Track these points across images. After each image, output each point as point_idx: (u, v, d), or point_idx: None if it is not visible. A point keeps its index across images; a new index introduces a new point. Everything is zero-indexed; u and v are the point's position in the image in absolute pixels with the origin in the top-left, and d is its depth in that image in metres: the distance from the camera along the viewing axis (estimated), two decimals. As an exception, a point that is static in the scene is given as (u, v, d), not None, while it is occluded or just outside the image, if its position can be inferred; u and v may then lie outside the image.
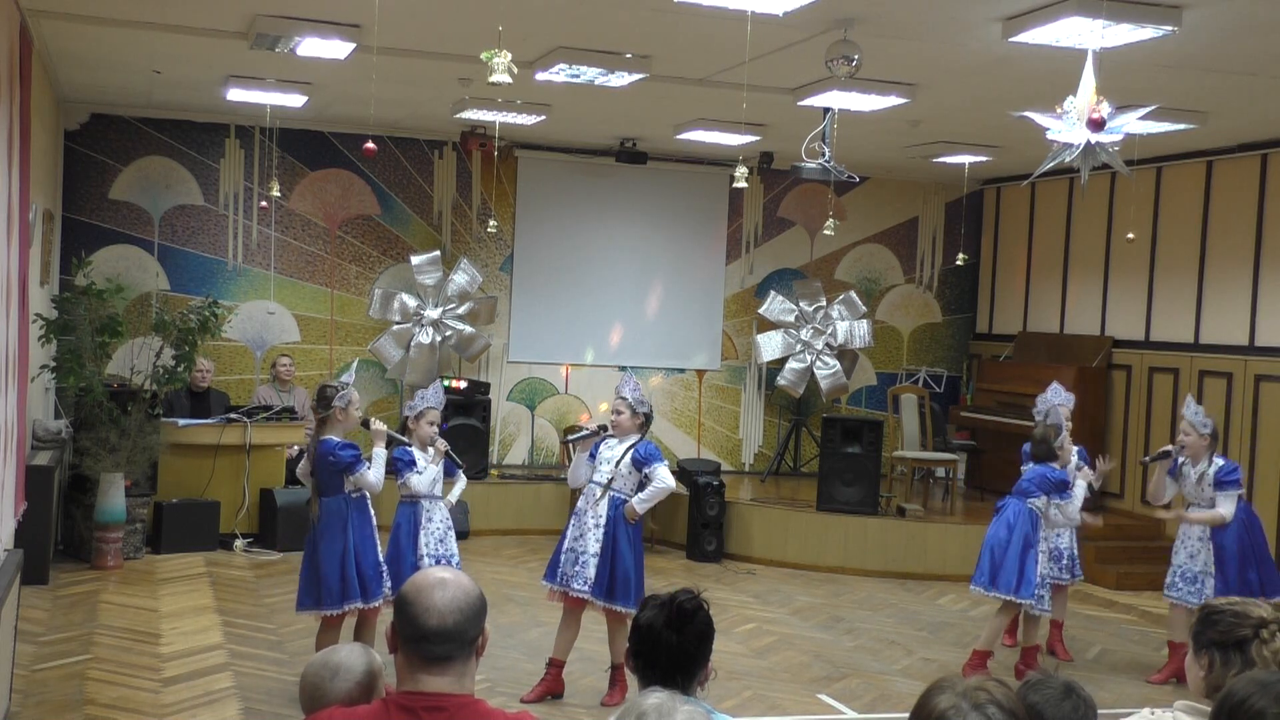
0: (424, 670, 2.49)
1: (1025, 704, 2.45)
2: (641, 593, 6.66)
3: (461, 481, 7.11)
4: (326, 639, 6.39)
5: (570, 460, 7.16)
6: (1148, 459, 7.94)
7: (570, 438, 7.09)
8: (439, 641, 2.47)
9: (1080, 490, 7.61)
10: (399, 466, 6.68)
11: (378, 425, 6.63)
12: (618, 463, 6.74)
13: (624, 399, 6.80)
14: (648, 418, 6.88)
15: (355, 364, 7.30)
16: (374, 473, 6.45)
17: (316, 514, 6.45)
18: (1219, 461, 7.51)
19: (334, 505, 6.43)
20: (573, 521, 6.89)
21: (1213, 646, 3.00)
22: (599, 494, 6.77)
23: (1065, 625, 8.40)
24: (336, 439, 6.42)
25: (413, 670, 2.50)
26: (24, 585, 7.01)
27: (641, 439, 6.83)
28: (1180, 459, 7.61)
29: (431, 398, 6.89)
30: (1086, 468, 7.85)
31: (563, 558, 6.82)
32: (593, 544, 6.71)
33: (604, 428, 6.91)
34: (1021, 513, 7.44)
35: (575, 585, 6.72)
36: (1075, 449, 7.98)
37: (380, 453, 6.53)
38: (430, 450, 6.82)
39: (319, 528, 6.42)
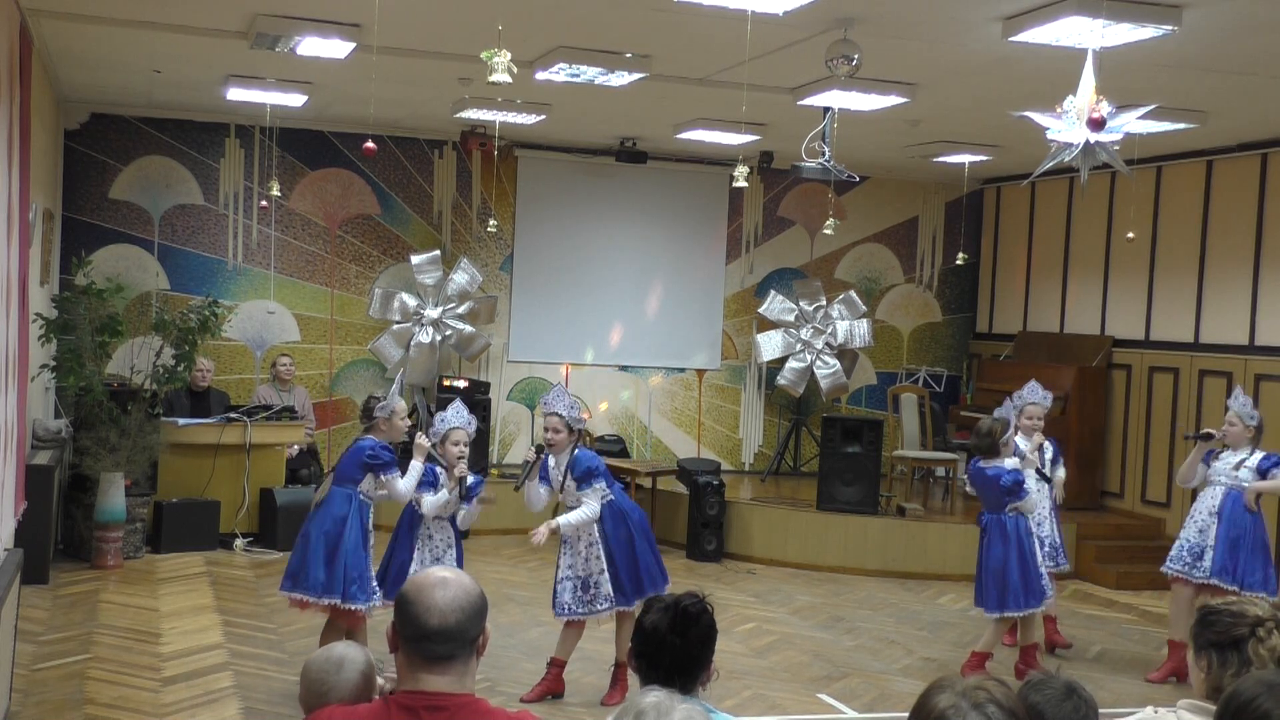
0: (425, 670, 2.49)
1: (1026, 704, 2.45)
2: (657, 579, 6.69)
3: (468, 508, 6.84)
4: (331, 638, 6.38)
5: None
6: (1190, 435, 7.95)
7: (517, 484, 6.91)
8: (440, 641, 2.47)
9: (1031, 483, 7.56)
10: (421, 484, 6.59)
11: (422, 440, 6.60)
12: (563, 482, 6.70)
13: (559, 415, 6.69)
14: (581, 433, 6.85)
15: (401, 377, 7.18)
16: (405, 482, 6.45)
17: (320, 499, 6.47)
18: (1259, 453, 7.52)
19: (340, 496, 6.43)
20: (564, 550, 6.81)
21: (1210, 648, 3.01)
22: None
23: (1063, 624, 8.41)
24: (380, 440, 6.48)
25: (414, 670, 2.50)
26: (24, 585, 7.01)
27: (574, 451, 6.75)
28: (1219, 448, 7.65)
29: (453, 418, 6.72)
30: (1029, 455, 7.75)
31: (565, 586, 6.75)
32: (595, 563, 6.70)
33: (540, 449, 6.77)
34: (1009, 526, 7.39)
35: (600, 606, 6.68)
36: (1050, 444, 8.03)
37: (417, 466, 6.51)
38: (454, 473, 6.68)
39: (318, 513, 6.43)
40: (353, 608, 6.39)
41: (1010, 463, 7.47)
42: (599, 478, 6.71)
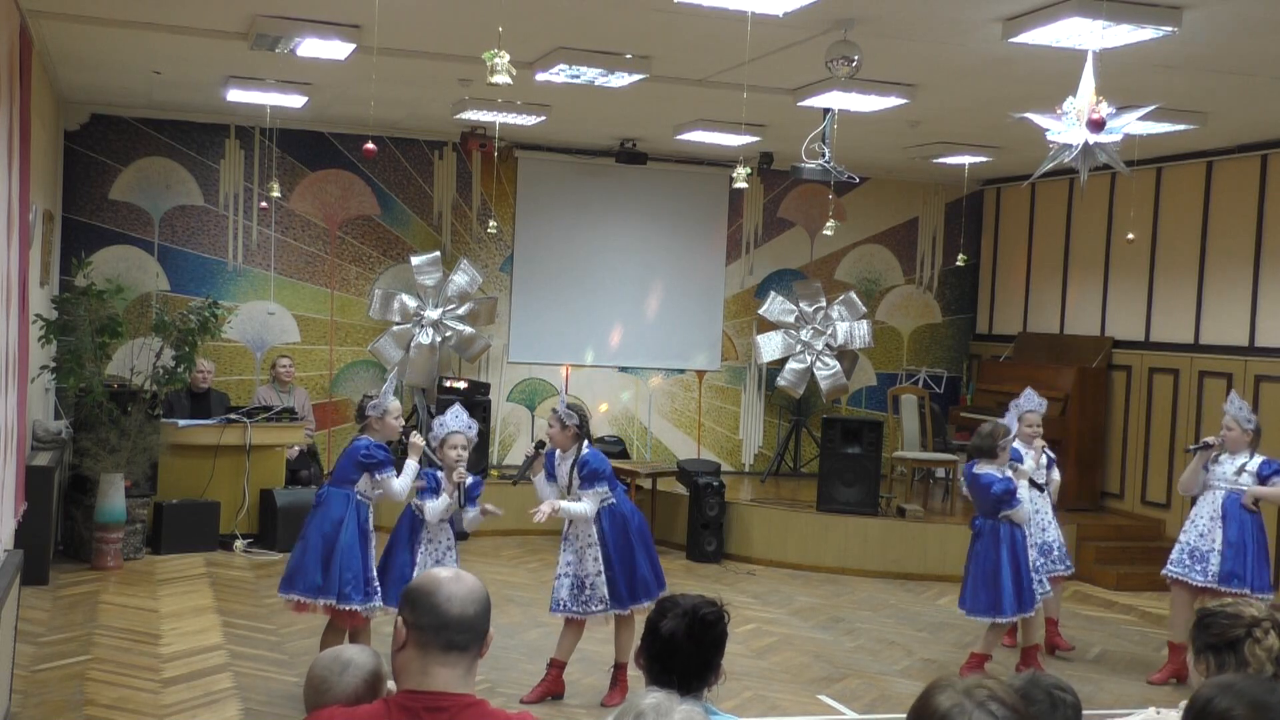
0: (440, 661, 2.49)
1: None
2: (651, 586, 6.70)
3: (473, 511, 6.79)
4: (331, 639, 6.37)
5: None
6: (1191, 448, 7.93)
7: (518, 475, 7.21)
8: (460, 630, 2.49)
9: (1024, 492, 7.53)
10: (422, 490, 6.58)
11: (416, 439, 6.63)
12: (569, 482, 6.76)
13: (553, 411, 6.88)
14: (579, 428, 6.84)
15: (393, 376, 7.32)
16: (401, 481, 6.44)
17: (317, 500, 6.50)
18: (1259, 458, 7.50)
19: (338, 495, 6.42)
20: (564, 547, 6.85)
21: (1208, 650, 3.03)
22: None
23: (1064, 625, 8.41)
24: (374, 440, 6.48)
25: (426, 662, 2.49)
26: (24, 585, 7.01)
27: (582, 450, 6.81)
28: (1218, 453, 7.63)
29: (452, 422, 6.71)
30: (1020, 466, 7.73)
31: (562, 583, 6.78)
32: (591, 564, 6.72)
33: (540, 445, 6.93)
34: (1002, 531, 7.37)
35: (594, 608, 6.71)
36: (1046, 453, 8.03)
37: (412, 465, 6.51)
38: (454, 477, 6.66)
39: (316, 514, 6.43)
40: (348, 608, 6.35)
41: (1026, 468, 7.48)
42: (602, 481, 6.74)
